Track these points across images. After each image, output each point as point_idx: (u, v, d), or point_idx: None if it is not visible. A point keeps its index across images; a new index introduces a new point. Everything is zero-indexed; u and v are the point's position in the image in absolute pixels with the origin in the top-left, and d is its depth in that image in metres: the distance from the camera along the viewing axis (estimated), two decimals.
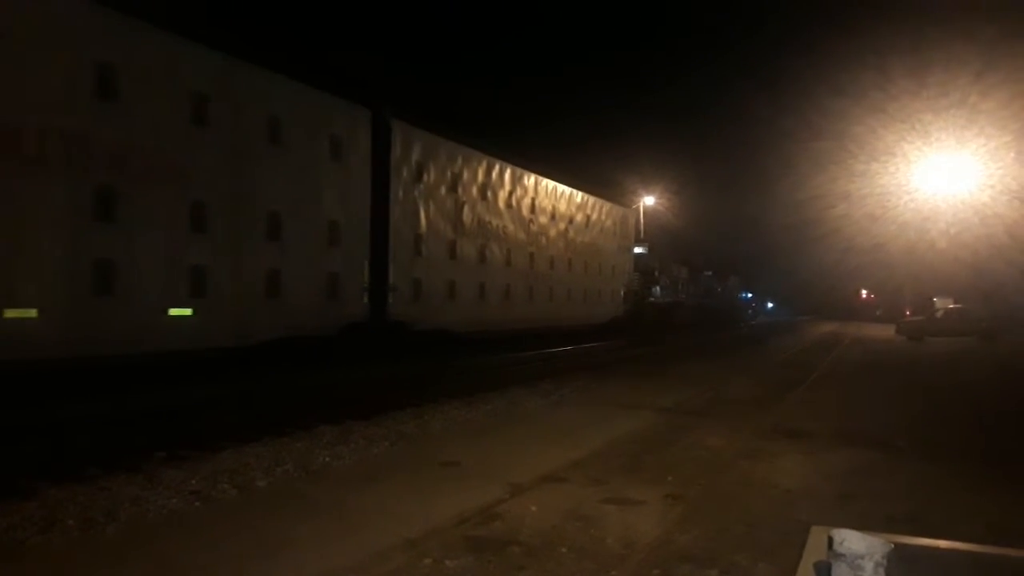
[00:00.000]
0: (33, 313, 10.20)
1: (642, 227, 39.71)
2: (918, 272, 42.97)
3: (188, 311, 12.45)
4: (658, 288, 38.86)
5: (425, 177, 18.97)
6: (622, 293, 33.62)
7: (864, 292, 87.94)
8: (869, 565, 1.99)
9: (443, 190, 19.81)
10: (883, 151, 26.59)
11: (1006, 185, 23.91)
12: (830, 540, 2.12)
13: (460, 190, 20.61)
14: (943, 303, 40.16)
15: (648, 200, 41.96)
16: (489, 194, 22.17)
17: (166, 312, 12.14)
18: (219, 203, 13.06)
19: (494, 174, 22.49)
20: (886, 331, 38.24)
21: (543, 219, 25.81)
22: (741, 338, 35.84)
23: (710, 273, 52.61)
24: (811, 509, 5.47)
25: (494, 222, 22.45)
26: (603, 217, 31.51)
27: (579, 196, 28.94)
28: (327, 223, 15.62)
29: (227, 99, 13.26)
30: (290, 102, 14.75)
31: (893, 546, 2.05)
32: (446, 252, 19.94)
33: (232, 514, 5.48)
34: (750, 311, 73.76)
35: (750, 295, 78.06)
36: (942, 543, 2.28)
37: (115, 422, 9.00)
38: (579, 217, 28.95)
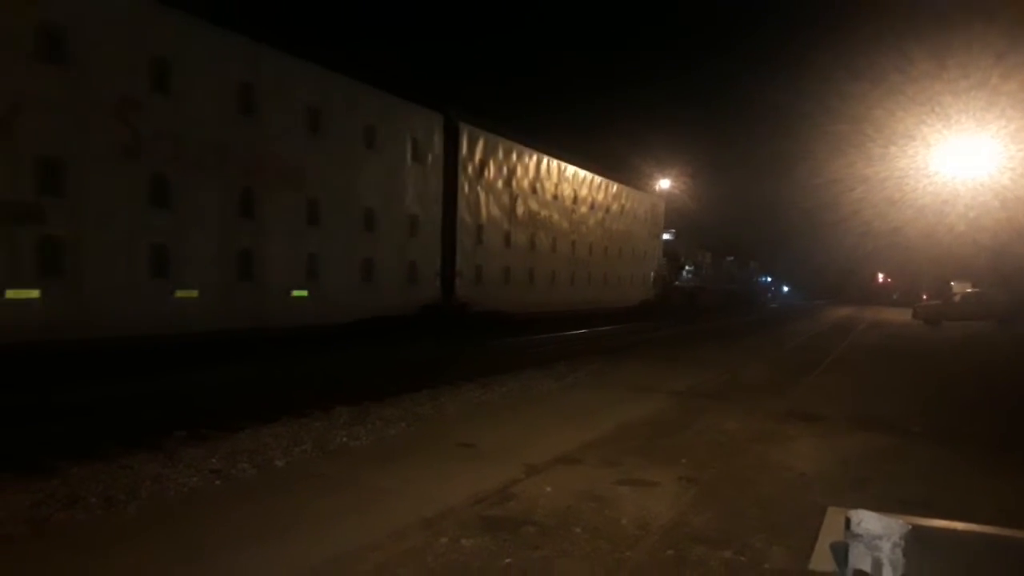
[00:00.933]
0: (195, 294, 12.21)
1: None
2: (936, 256, 42.38)
3: (305, 292, 14.50)
4: (685, 272, 39.29)
5: (485, 173, 20.89)
6: (651, 277, 34.22)
7: (881, 276, 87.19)
8: (887, 546, 2.00)
9: (500, 184, 21.73)
10: (902, 134, 26.15)
11: None
12: (847, 521, 2.12)
13: (514, 184, 22.49)
14: (961, 287, 39.72)
15: (664, 183, 41.73)
16: (538, 186, 23.96)
17: (289, 293, 14.18)
18: (328, 200, 15.04)
19: (543, 168, 24.24)
20: (903, 315, 38.00)
21: (583, 209, 27.41)
22: (759, 322, 36.03)
23: (732, 258, 52.50)
24: (826, 492, 5.48)
25: (542, 212, 24.25)
26: (635, 205, 33.08)
27: (614, 187, 30.48)
28: (408, 216, 17.68)
29: (334, 111, 15.18)
30: (381, 111, 16.67)
31: (911, 527, 2.05)
32: (502, 240, 21.89)
33: (251, 492, 5.57)
34: (769, 295, 73.36)
35: (769, 279, 77.54)
36: (959, 525, 2.28)
37: (150, 403, 9.21)
38: (615, 206, 30.51)
